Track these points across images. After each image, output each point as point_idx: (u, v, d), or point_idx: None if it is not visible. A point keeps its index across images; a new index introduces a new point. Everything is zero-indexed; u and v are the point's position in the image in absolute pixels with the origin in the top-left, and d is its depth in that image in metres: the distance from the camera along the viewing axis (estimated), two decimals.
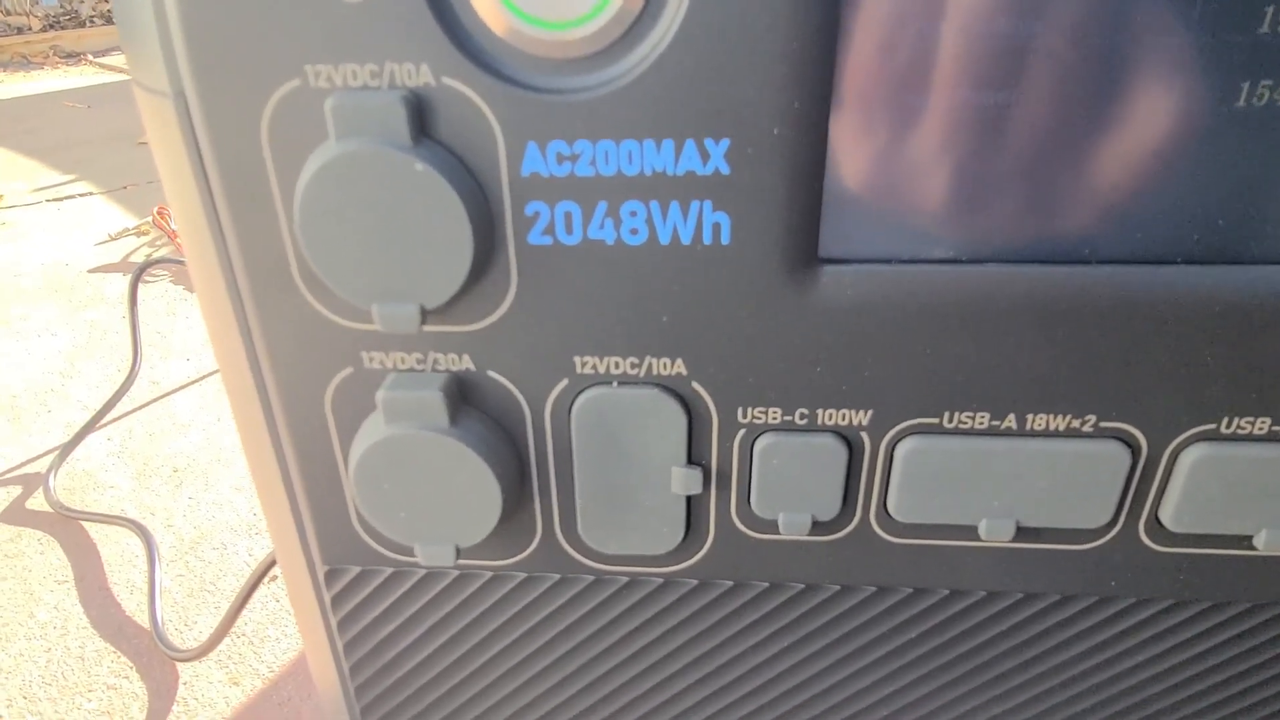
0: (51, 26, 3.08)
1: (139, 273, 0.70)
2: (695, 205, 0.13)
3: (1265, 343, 0.13)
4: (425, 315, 0.14)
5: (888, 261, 0.14)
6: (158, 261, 0.74)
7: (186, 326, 0.85)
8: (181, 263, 0.87)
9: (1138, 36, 0.12)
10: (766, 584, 0.17)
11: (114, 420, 0.69)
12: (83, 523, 0.57)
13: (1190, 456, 0.14)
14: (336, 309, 0.14)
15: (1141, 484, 0.15)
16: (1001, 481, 0.15)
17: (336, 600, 0.18)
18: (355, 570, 0.17)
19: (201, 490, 0.60)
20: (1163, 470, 0.15)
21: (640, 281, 0.14)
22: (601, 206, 0.13)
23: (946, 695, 0.18)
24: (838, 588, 0.17)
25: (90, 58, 2.89)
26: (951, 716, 0.18)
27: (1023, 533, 0.15)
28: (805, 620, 0.17)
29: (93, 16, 3.20)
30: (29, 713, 0.43)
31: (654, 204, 0.13)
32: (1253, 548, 0.15)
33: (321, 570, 0.18)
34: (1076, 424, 0.14)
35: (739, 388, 0.14)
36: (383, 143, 0.12)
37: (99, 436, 0.66)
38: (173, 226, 1.05)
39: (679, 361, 0.14)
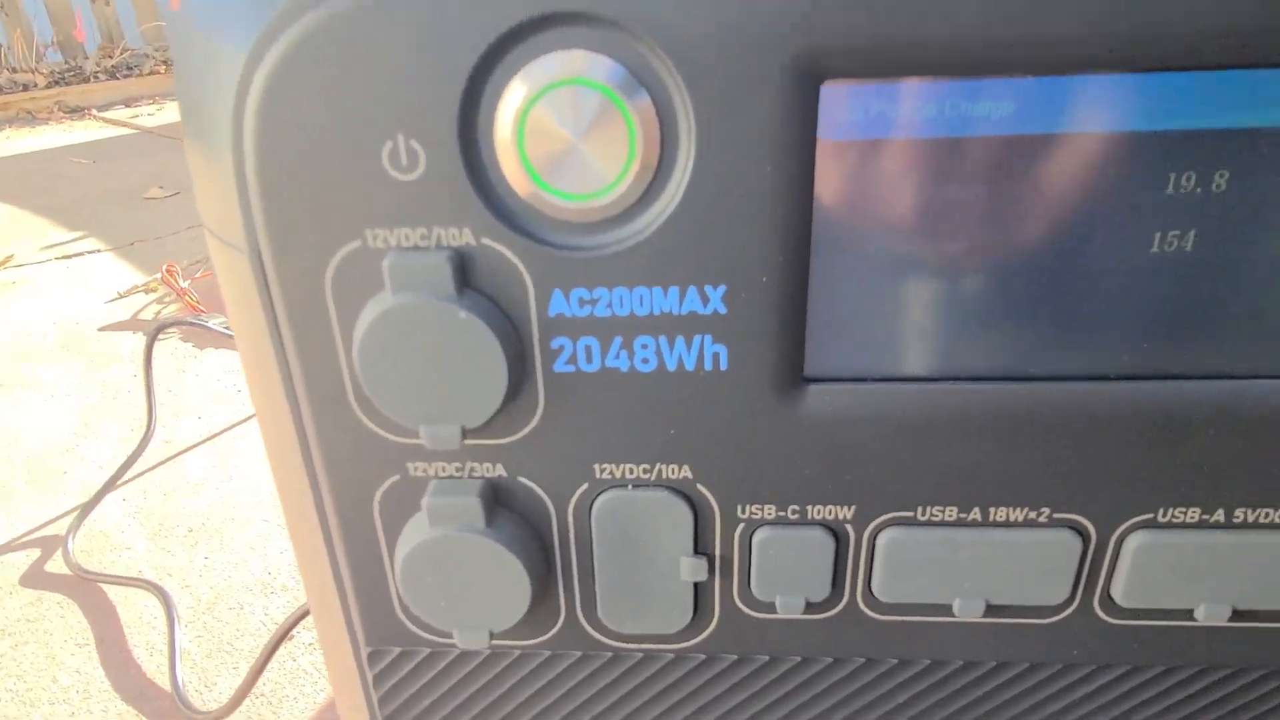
0: (56, 83, 3.14)
1: (154, 335, 0.73)
2: (697, 339, 0.15)
3: (1189, 445, 0.15)
4: (465, 433, 0.16)
5: (865, 380, 0.16)
6: (172, 323, 0.76)
7: (197, 384, 0.87)
8: (194, 323, 0.89)
9: (1073, 200, 0.14)
10: (767, 658, 0.19)
11: (129, 480, 0.70)
12: (101, 585, 0.58)
13: (1134, 542, 0.16)
14: (386, 427, 0.16)
15: (1093, 566, 0.17)
16: (970, 566, 0.17)
17: (378, 678, 0.20)
18: (396, 651, 0.19)
19: (216, 550, 0.61)
20: (1110, 554, 0.17)
21: (651, 401, 0.16)
22: (617, 341, 0.15)
23: None
24: (830, 660, 0.18)
25: (95, 113, 2.94)
26: None
27: (992, 609, 0.17)
28: (802, 690, 0.19)
29: (97, 72, 3.27)
30: None
31: (662, 338, 0.15)
32: (1194, 619, 0.17)
33: (365, 651, 0.19)
34: (1033, 515, 0.16)
35: (738, 488, 0.17)
36: (431, 295, 0.15)
37: (115, 497, 0.68)
38: (182, 284, 1.08)
39: (685, 467, 0.16)
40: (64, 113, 3.01)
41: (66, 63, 3.33)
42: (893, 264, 0.15)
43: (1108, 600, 0.17)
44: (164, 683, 0.50)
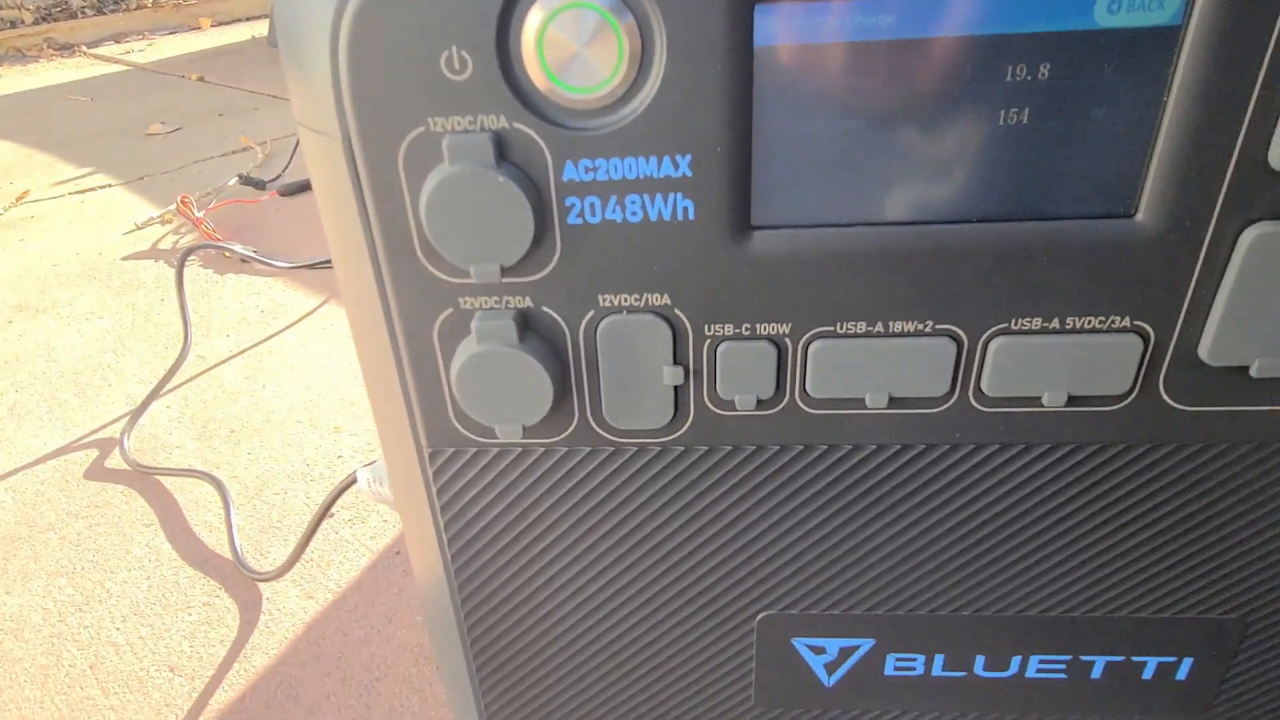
0: (44, 19, 3.11)
1: (184, 257, 0.78)
2: (672, 196, 0.21)
3: (1029, 269, 0.21)
4: (503, 271, 0.22)
5: (798, 226, 0.21)
6: (200, 247, 0.81)
7: (223, 306, 0.92)
8: (219, 248, 0.94)
9: (943, 85, 0.19)
10: (730, 447, 0.25)
11: (170, 390, 0.77)
12: (158, 477, 0.65)
13: (995, 345, 0.22)
14: (444, 269, 0.22)
15: (966, 364, 0.23)
16: (877, 367, 0.23)
17: (437, 474, 0.26)
18: (450, 450, 0.26)
19: (258, 447, 0.68)
20: (979, 355, 0.23)
21: (638, 245, 0.22)
22: (613, 198, 0.21)
23: (850, 528, 0.26)
24: (777, 447, 0.25)
25: (85, 49, 2.93)
26: (854, 544, 0.26)
27: (894, 401, 0.23)
28: (757, 472, 0.25)
29: (84, 8, 3.23)
30: (142, 625, 0.52)
31: (645, 196, 0.21)
32: (1042, 405, 0.23)
33: (427, 452, 0.26)
34: (921, 326, 0.22)
35: (704, 311, 0.22)
36: (477, 165, 0.20)
37: (159, 405, 0.75)
38: (197, 214, 1.12)
39: (665, 295, 0.22)
40: (54, 50, 2.99)
41: None
42: (815, 138, 0.20)
43: (979, 392, 0.23)
44: (224, 552, 0.57)
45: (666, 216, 0.21)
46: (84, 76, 2.47)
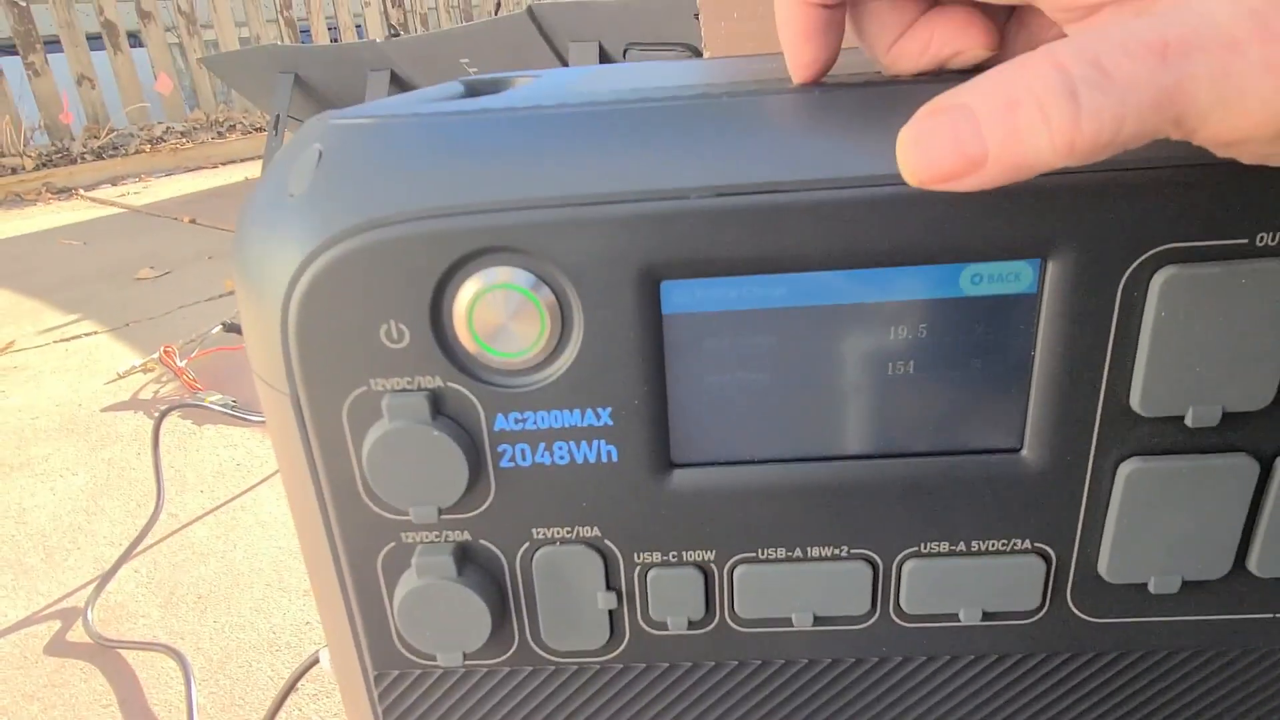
0: (44, 165, 3.24)
1: (162, 416, 0.79)
2: (596, 442, 0.23)
3: (932, 499, 0.23)
4: (441, 511, 0.23)
5: (715, 464, 0.23)
6: (176, 406, 0.83)
7: (199, 460, 0.93)
8: (198, 405, 0.96)
9: (836, 343, 0.22)
10: (666, 664, 0.26)
11: (140, 553, 0.76)
12: (120, 650, 0.64)
13: (908, 567, 0.24)
14: (385, 509, 0.24)
15: (884, 585, 0.24)
16: (800, 589, 0.24)
17: (383, 695, 0.27)
18: (395, 673, 0.26)
19: (224, 614, 0.67)
20: (895, 576, 0.24)
21: (568, 484, 0.23)
22: (542, 445, 0.23)
23: None
24: (712, 664, 0.25)
25: (82, 193, 3.03)
26: None
27: (819, 619, 0.24)
28: (694, 688, 0.26)
29: (84, 153, 3.37)
30: None
31: (571, 443, 0.23)
32: (959, 620, 0.24)
33: (373, 674, 0.26)
34: (838, 551, 0.24)
35: (633, 541, 0.24)
36: (415, 421, 0.22)
37: (127, 569, 0.74)
38: (179, 364, 1.14)
39: (595, 528, 0.24)
40: (51, 194, 3.10)
41: (54, 144, 3.43)
42: (725, 388, 0.22)
43: (899, 609, 0.24)
44: None
45: (592, 460, 0.23)
46: (79, 220, 2.55)
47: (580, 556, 0.24)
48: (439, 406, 0.22)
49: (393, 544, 0.24)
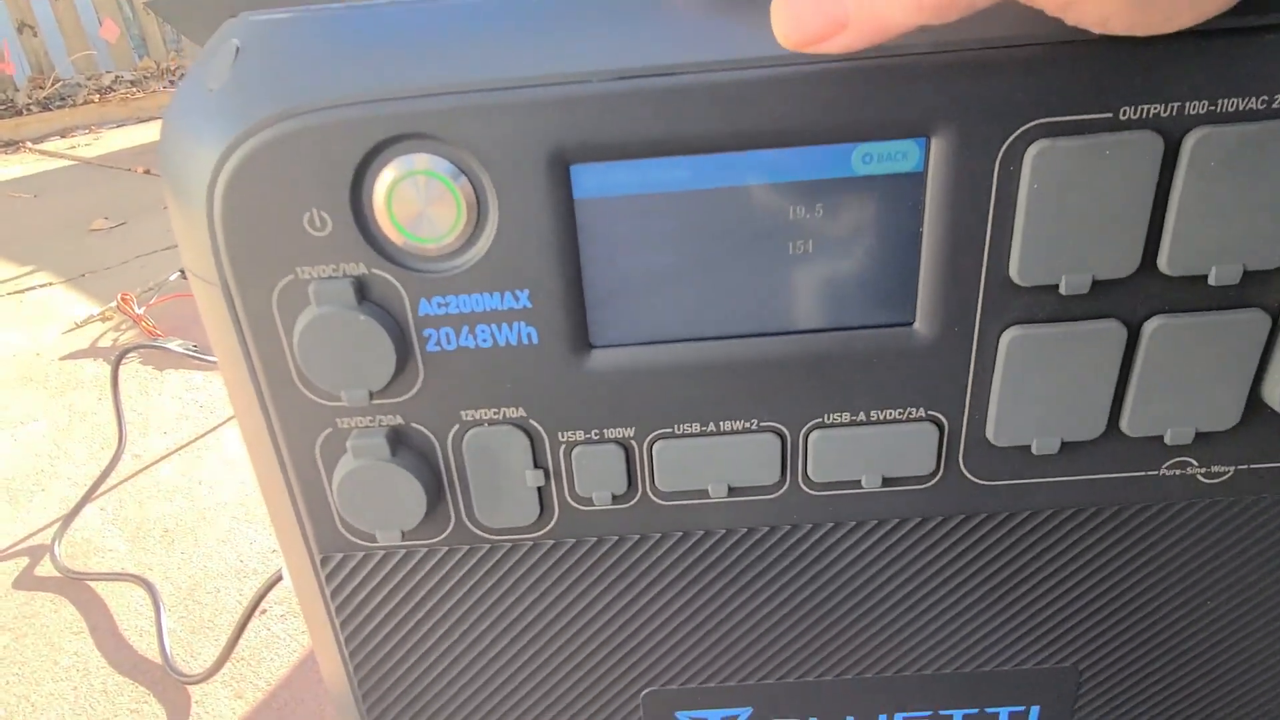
0: None
1: (119, 357, 0.79)
2: (516, 324, 0.24)
3: (833, 371, 0.24)
4: (371, 395, 0.24)
5: (631, 344, 0.24)
6: (137, 346, 0.83)
7: (162, 404, 0.93)
8: (156, 346, 0.95)
9: (740, 223, 0.23)
10: (594, 538, 0.27)
11: (105, 492, 0.77)
12: (89, 582, 0.65)
13: (813, 438, 0.25)
14: (320, 395, 0.25)
15: (792, 456, 0.26)
16: (714, 462, 0.26)
17: (329, 578, 0.28)
18: (339, 556, 0.28)
19: (191, 546, 0.69)
20: (801, 446, 0.26)
21: (492, 366, 0.24)
22: (465, 328, 0.24)
23: (711, 606, 0.29)
24: (636, 536, 0.27)
25: (29, 145, 2.94)
26: (717, 621, 0.29)
27: (733, 490, 0.26)
28: (621, 560, 0.28)
29: (29, 104, 3.25)
30: None
31: (493, 325, 0.24)
32: (860, 486, 0.26)
33: (318, 558, 0.28)
34: (748, 424, 0.25)
35: (557, 420, 0.25)
36: (341, 306, 0.23)
37: (93, 507, 0.75)
38: (137, 311, 1.13)
39: (520, 408, 0.25)
40: None
41: None
42: (638, 270, 0.23)
43: (806, 478, 0.26)
44: (154, 657, 0.57)
45: (514, 341, 0.24)
46: (28, 173, 2.47)
47: (507, 436, 0.25)
48: (364, 292, 0.23)
49: (329, 430, 0.25)
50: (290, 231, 0.23)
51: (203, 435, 0.85)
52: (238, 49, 0.23)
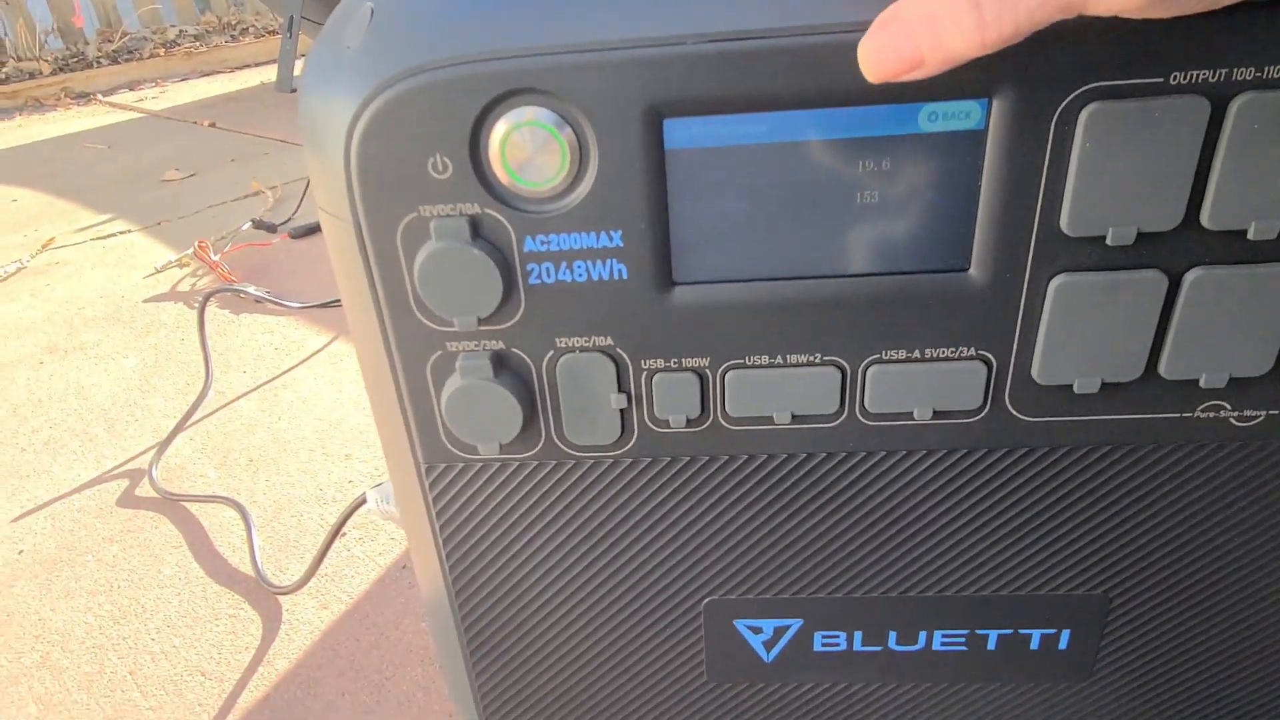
0: (61, 69, 3.23)
1: (205, 299, 0.84)
2: (609, 261, 0.27)
3: (894, 312, 0.27)
4: (479, 321, 0.28)
5: (711, 282, 0.27)
6: (219, 290, 0.88)
7: (240, 345, 0.99)
8: (238, 290, 1.01)
9: (816, 176, 0.25)
10: (668, 458, 0.31)
11: (194, 424, 0.83)
12: (185, 503, 0.71)
13: (870, 372, 0.28)
14: (434, 320, 0.28)
15: (851, 388, 0.29)
16: (780, 391, 0.29)
17: (432, 485, 0.32)
18: (442, 465, 0.31)
19: (275, 474, 0.74)
20: (860, 380, 0.28)
21: (585, 299, 0.27)
22: (564, 264, 0.27)
23: (771, 524, 0.32)
24: (706, 457, 0.30)
25: (100, 97, 3.04)
26: (776, 538, 0.32)
27: (796, 418, 0.29)
28: (691, 479, 0.31)
29: (99, 58, 3.35)
30: (174, 635, 0.57)
31: (588, 261, 0.27)
32: (913, 418, 0.29)
33: (424, 467, 0.32)
34: (812, 358, 0.28)
35: (641, 350, 0.28)
36: (457, 241, 0.26)
37: (183, 437, 0.81)
38: (214, 258, 1.19)
39: (608, 337, 0.28)
40: (70, 98, 3.10)
41: (68, 49, 3.41)
42: (719, 215, 0.26)
43: (863, 409, 0.29)
44: (247, 570, 0.63)
45: (606, 277, 0.27)
46: (100, 124, 2.56)
47: (596, 362, 0.29)
48: (477, 229, 0.26)
49: (439, 352, 0.29)
50: (415, 175, 0.26)
51: (279, 375, 0.91)
52: (372, 11, 0.26)
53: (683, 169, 0.26)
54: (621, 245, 0.26)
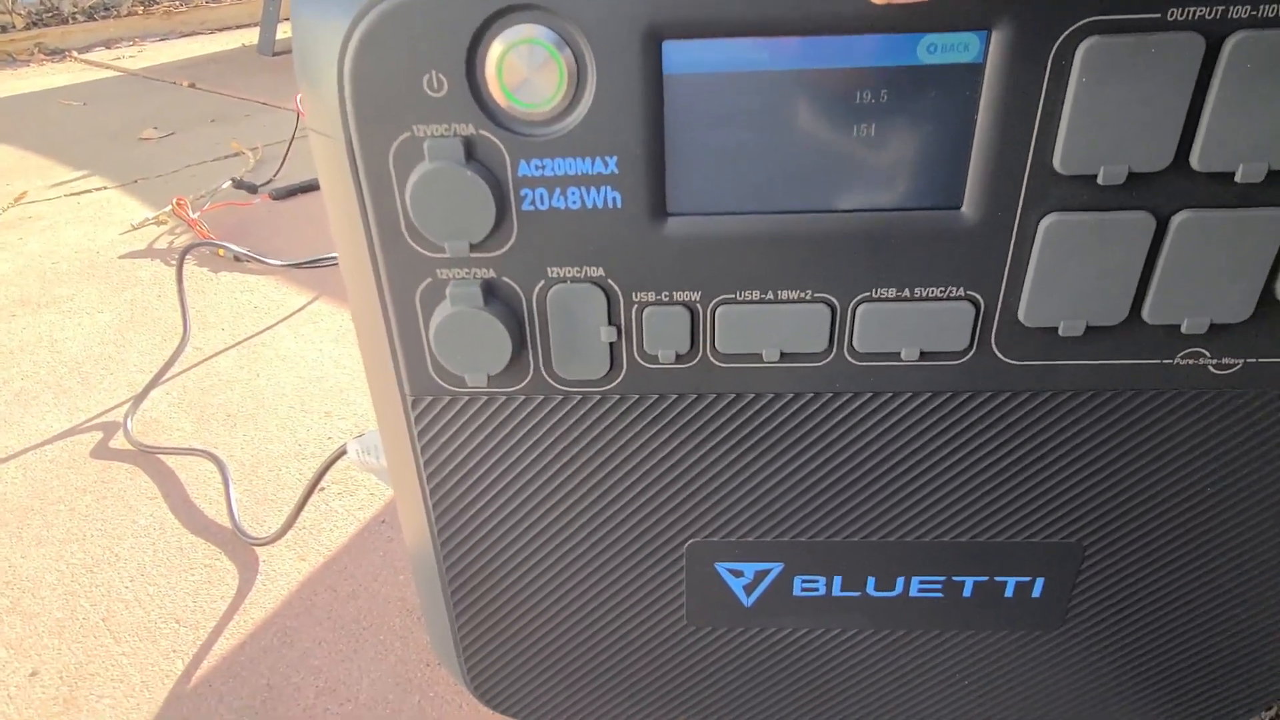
0: (35, 24, 3.15)
1: (184, 253, 0.83)
2: (604, 188, 0.27)
3: (883, 250, 0.27)
4: (471, 247, 0.27)
5: (705, 214, 0.27)
6: (199, 244, 0.86)
7: (218, 302, 0.97)
8: (216, 246, 0.99)
9: (813, 106, 0.25)
10: (656, 395, 0.31)
11: (170, 379, 0.82)
12: (160, 456, 0.70)
13: (860, 310, 0.28)
14: (425, 246, 0.28)
15: (840, 327, 0.29)
16: (770, 328, 0.29)
17: (418, 419, 0.32)
18: (428, 398, 0.31)
19: (253, 429, 0.73)
20: (849, 318, 0.29)
21: (578, 226, 0.27)
22: (558, 190, 0.27)
23: (755, 465, 0.32)
24: (694, 395, 0.30)
25: (75, 54, 2.96)
26: (759, 479, 0.32)
27: (785, 356, 0.29)
28: (679, 417, 0.31)
29: (75, 13, 3.27)
30: (149, 584, 0.57)
31: (582, 188, 0.27)
32: (900, 359, 0.29)
33: (409, 399, 0.31)
34: (803, 295, 0.28)
35: (633, 281, 0.28)
36: (451, 162, 0.26)
37: (159, 391, 0.80)
38: (192, 215, 1.17)
39: (600, 268, 0.28)
40: (45, 55, 3.03)
41: (42, 3, 3.32)
42: (715, 144, 0.26)
43: (852, 348, 0.29)
44: (224, 521, 0.62)
45: (600, 205, 0.27)
46: (76, 81, 2.50)
47: (586, 293, 0.28)
48: (471, 151, 0.26)
49: (429, 279, 0.29)
50: (410, 92, 0.25)
51: (259, 333, 0.90)
52: None
53: (681, 94, 0.26)
54: (617, 172, 0.26)
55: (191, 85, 2.31)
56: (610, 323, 0.29)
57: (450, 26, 0.25)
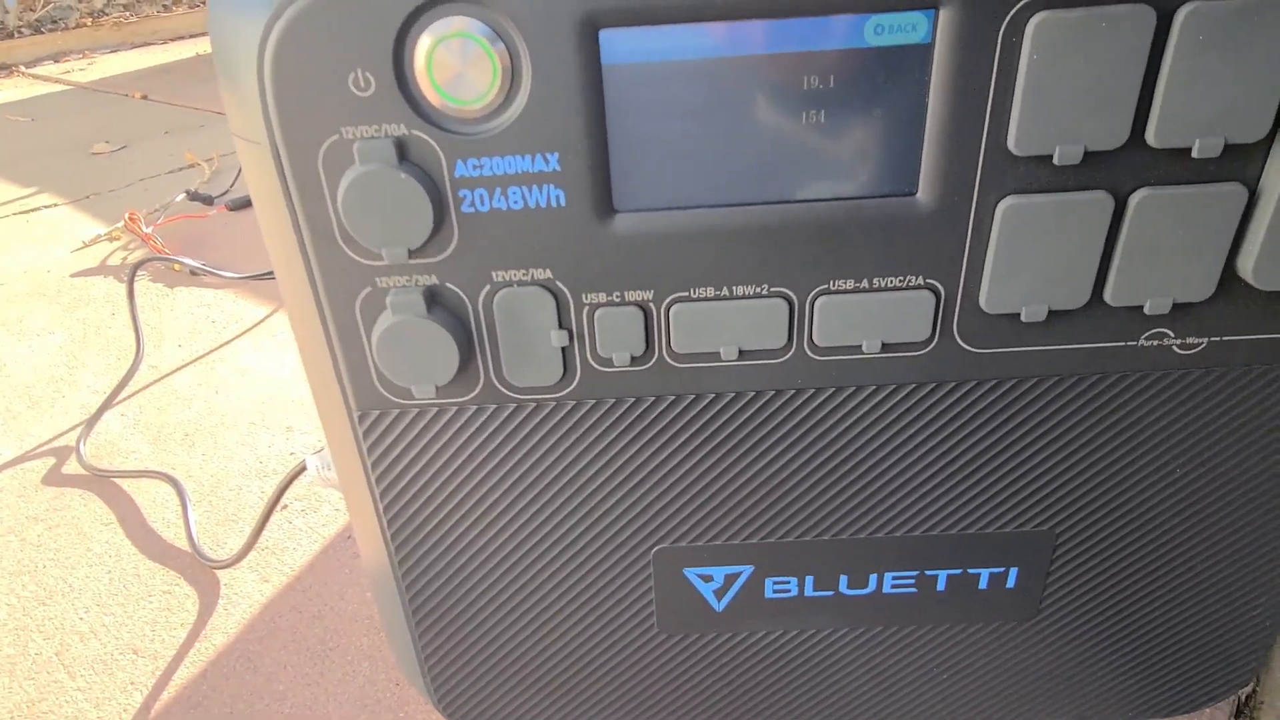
0: None
1: (135, 269, 0.81)
2: (546, 186, 0.25)
3: (839, 241, 0.26)
4: (410, 253, 0.26)
5: (654, 209, 0.26)
6: (151, 259, 0.84)
7: (174, 319, 0.95)
8: (173, 260, 0.96)
9: (753, 92, 0.24)
10: (613, 399, 0.29)
11: (125, 399, 0.79)
12: (115, 480, 0.68)
13: (819, 303, 0.27)
14: (361, 254, 0.27)
15: (799, 321, 0.28)
16: (726, 325, 0.28)
17: (366, 434, 0.30)
18: (376, 412, 0.30)
19: (212, 448, 0.71)
20: (808, 312, 0.28)
21: (522, 228, 0.26)
22: (498, 190, 0.25)
23: (719, 467, 0.31)
24: (652, 398, 0.29)
25: (23, 69, 2.89)
26: (724, 481, 0.31)
27: (743, 353, 0.28)
28: (637, 421, 0.30)
29: (20, 27, 3.18)
30: (104, 614, 0.55)
31: (524, 187, 0.25)
32: (862, 352, 0.28)
33: (356, 414, 0.30)
34: (760, 290, 0.27)
35: (582, 282, 0.27)
36: (383, 164, 0.25)
37: (114, 413, 0.77)
38: (146, 230, 1.14)
39: (547, 270, 0.27)
40: None
41: None
42: (661, 136, 0.25)
43: (812, 343, 0.28)
44: (183, 545, 0.60)
45: (543, 204, 0.26)
46: (23, 97, 2.44)
47: (535, 297, 0.27)
48: (404, 152, 0.25)
49: (369, 289, 0.27)
50: (336, 92, 0.24)
51: (216, 349, 0.87)
52: None
53: (621, 85, 0.24)
54: (559, 169, 0.25)
55: (144, 97, 2.25)
56: (561, 326, 0.28)
57: (374, 21, 0.23)
